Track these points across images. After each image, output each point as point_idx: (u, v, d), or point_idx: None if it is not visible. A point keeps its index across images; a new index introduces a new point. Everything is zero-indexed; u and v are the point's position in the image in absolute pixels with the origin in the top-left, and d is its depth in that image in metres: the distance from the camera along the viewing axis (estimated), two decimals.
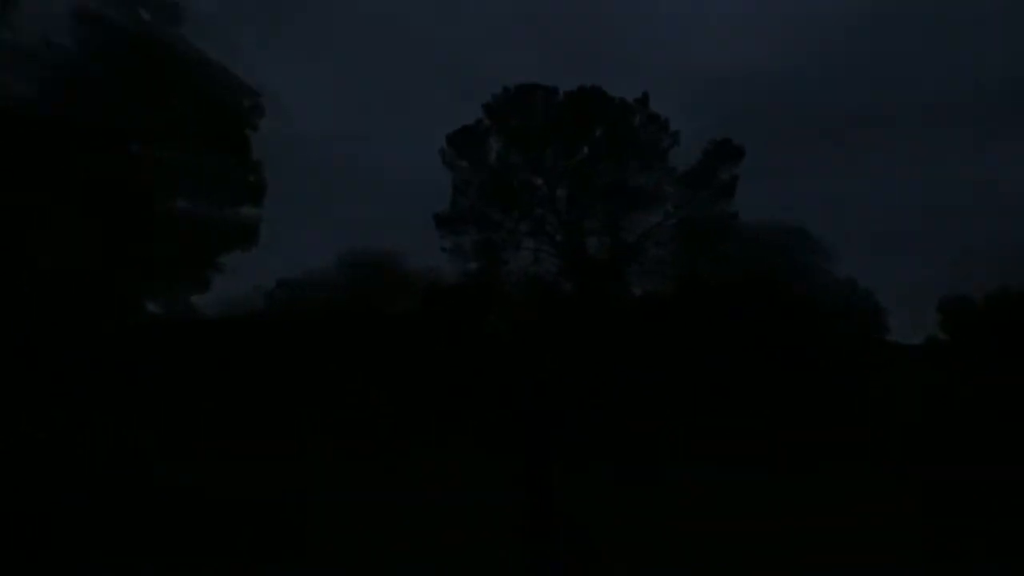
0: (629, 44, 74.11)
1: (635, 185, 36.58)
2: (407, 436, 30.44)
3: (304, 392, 33.21)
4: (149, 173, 29.24)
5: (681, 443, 28.03)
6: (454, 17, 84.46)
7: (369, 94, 79.47)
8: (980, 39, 76.30)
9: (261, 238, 30.95)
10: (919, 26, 77.93)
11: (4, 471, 16.71)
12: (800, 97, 75.03)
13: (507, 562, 8.57)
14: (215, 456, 25.46)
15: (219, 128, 30.78)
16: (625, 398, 29.91)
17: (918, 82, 73.79)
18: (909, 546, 11.16)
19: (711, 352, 31.10)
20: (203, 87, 30.35)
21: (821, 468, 25.56)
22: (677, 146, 36.83)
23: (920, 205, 62.68)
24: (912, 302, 41.02)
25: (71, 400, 24.44)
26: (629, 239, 36.89)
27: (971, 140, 71.41)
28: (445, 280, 37.12)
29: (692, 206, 36.80)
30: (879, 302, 37.24)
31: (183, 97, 29.55)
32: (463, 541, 10.70)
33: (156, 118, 29.02)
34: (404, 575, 9.60)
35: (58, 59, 30.41)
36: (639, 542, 11.09)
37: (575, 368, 30.14)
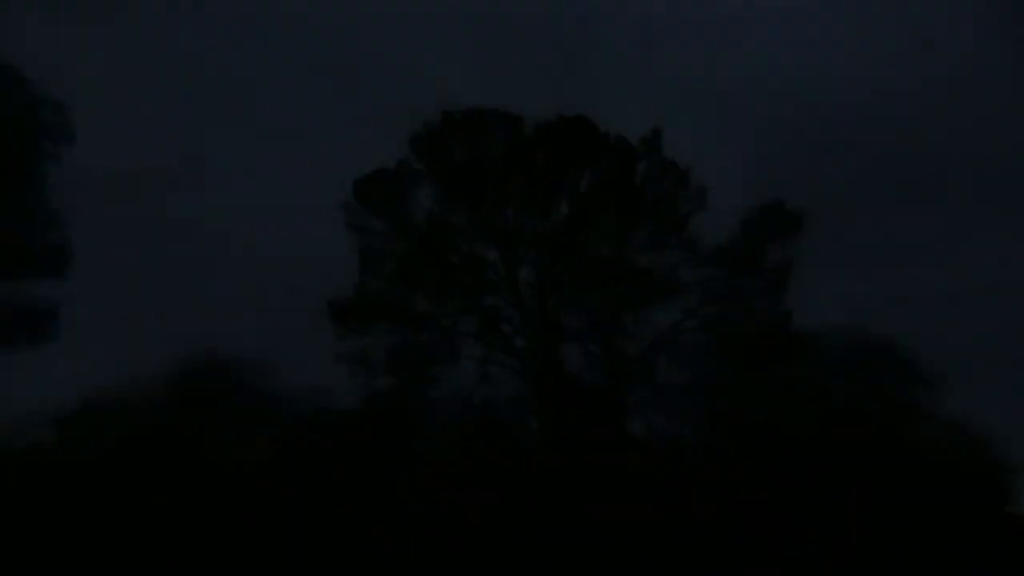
0: (630, 59, 72.89)
1: (642, 266, 35.18)
2: None
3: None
4: None
5: None
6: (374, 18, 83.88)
7: (242, 117, 77.92)
8: None
9: (61, 330, 30.85)
10: None
11: None
12: (899, 142, 73.96)
13: None
14: None
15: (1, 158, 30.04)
16: None
17: None
18: None
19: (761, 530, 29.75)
20: None
21: None
22: (703, 210, 35.68)
23: None
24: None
25: None
26: (632, 350, 35.04)
27: None
28: (334, 410, 34.89)
29: (726, 302, 35.44)
30: (1005, 454, 35.96)
31: None
32: None
33: None
34: None
35: None
36: None
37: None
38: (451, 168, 35.71)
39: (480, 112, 35.47)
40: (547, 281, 35.81)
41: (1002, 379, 50.69)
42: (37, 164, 30.10)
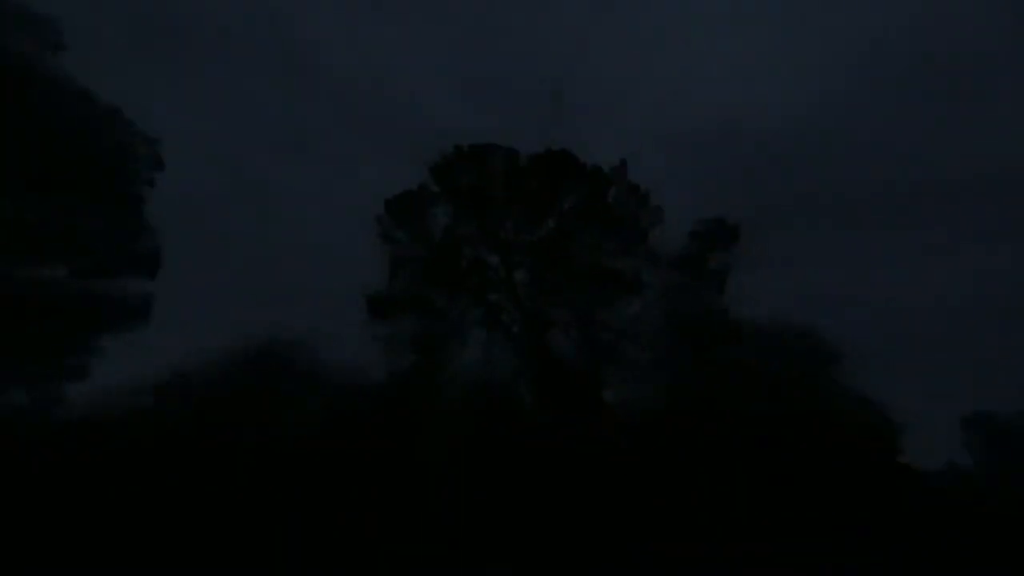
0: (604, 101, 74.41)
1: (612, 269, 36.30)
2: None
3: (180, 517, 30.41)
4: (13, 231, 28.65)
5: None
6: (401, 68, 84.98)
7: (293, 149, 79.30)
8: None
9: (153, 317, 32.32)
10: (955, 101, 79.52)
11: None
12: (816, 167, 75.79)
13: None
14: None
15: (106, 181, 30.80)
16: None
17: (945, 156, 74.78)
18: None
19: (701, 482, 30.77)
20: (88, 130, 30.28)
21: None
22: (661, 224, 36.99)
23: (944, 302, 62.16)
24: (931, 419, 41.01)
25: None
26: (604, 336, 36.04)
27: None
28: (370, 383, 35.65)
29: (678, 298, 36.70)
30: (892, 418, 36.88)
31: (63, 141, 29.35)
32: None
33: (26, 165, 28.70)
34: None
35: None
36: None
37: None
38: (461, 191, 36.39)
39: (484, 147, 36.34)
40: (538, 281, 36.51)
41: (895, 358, 52.77)
42: (134, 187, 31.03)
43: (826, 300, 60.04)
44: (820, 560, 29.63)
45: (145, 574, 27.76)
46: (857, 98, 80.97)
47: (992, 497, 37.47)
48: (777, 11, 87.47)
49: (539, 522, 28.98)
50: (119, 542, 29.12)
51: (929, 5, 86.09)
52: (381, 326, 35.99)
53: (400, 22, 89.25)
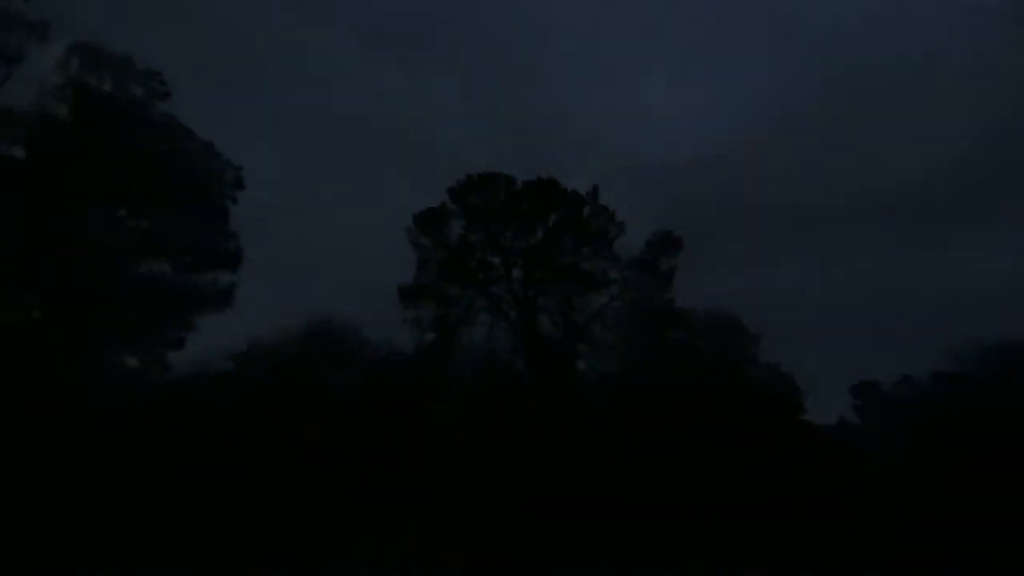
0: (584, 136, 77.27)
1: (585, 269, 37.38)
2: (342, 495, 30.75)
3: (255, 453, 32.64)
4: (132, 237, 30.73)
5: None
6: (425, 110, 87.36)
7: (343, 175, 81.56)
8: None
9: (235, 302, 33.66)
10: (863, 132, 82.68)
11: None
12: (741, 190, 78.89)
13: None
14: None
15: (201, 198, 32.57)
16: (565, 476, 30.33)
17: (846, 179, 78.16)
18: None
19: (650, 434, 31.89)
20: (187, 159, 32.13)
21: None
22: (624, 235, 38.04)
23: (843, 295, 65.68)
24: (827, 385, 41.63)
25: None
26: (579, 320, 37.36)
27: (894, 235, 75.32)
28: (402, 352, 37.21)
29: (636, 292, 37.76)
30: (798, 385, 38.06)
31: (168, 167, 31.10)
32: None
33: (141, 186, 30.54)
34: None
35: (50, 124, 30.86)
36: None
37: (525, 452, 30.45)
38: (471, 208, 37.84)
39: (489, 175, 37.79)
40: (529, 278, 37.71)
41: (800, 338, 54.97)
42: (221, 202, 32.72)
43: (748, 293, 62.97)
44: (737, 493, 31.02)
45: (225, 496, 29.93)
46: (775, 137, 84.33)
47: (872, 445, 38.76)
48: (718, 65, 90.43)
49: (526, 453, 30.43)
50: (208, 474, 30.66)
51: (834, 66, 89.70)
52: (409, 311, 37.17)
53: (416, 72, 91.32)
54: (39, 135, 29.40)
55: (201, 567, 22.03)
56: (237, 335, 35.49)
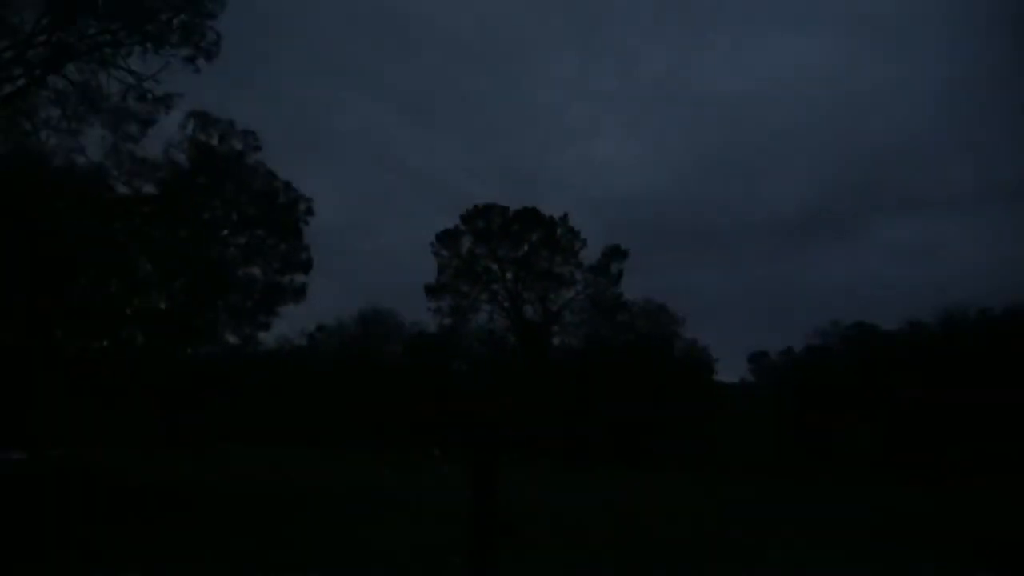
0: (558, 178, 77.85)
1: (558, 272, 37.33)
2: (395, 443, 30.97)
3: (327, 408, 33.57)
4: (233, 250, 31.04)
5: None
6: (441, 159, 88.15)
7: (384, 205, 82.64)
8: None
9: (307, 297, 32.40)
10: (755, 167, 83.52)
11: None
12: (669, 215, 79.75)
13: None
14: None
15: (282, 221, 32.37)
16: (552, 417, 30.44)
17: (743, 205, 78.97)
18: None
19: (606, 389, 32.05)
20: (273, 194, 32.10)
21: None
22: (586, 248, 37.91)
23: (742, 289, 66.49)
24: (730, 354, 45.11)
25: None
26: (553, 308, 37.36)
27: (789, 246, 76.14)
28: (428, 331, 37.34)
29: (594, 288, 37.62)
30: (710, 354, 38.52)
31: (259, 200, 31.28)
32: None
33: (240, 213, 30.98)
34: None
35: (175, 170, 31.23)
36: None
37: (519, 397, 30.27)
38: (477, 229, 37.83)
39: (488, 206, 37.92)
40: (518, 279, 37.70)
41: (715, 320, 56.19)
42: (297, 223, 30.98)
43: (674, 288, 64.91)
44: (664, 430, 31.84)
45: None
46: (691, 178, 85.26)
47: (766, 398, 38.82)
48: (652, 129, 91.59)
49: (515, 404, 30.24)
50: (290, 422, 32.60)
51: (732, 129, 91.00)
52: (432, 303, 37.15)
53: (435, 131, 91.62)
54: (167, 178, 29.83)
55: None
56: (308, 320, 36.74)
